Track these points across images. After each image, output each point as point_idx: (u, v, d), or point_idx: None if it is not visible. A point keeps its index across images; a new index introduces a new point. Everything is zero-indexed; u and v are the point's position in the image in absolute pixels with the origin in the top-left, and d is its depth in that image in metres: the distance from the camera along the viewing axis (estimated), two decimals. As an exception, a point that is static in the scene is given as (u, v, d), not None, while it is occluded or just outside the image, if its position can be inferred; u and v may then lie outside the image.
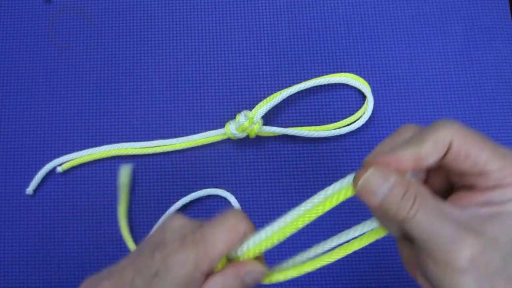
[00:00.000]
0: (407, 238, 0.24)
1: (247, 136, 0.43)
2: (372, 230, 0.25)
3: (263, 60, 0.46)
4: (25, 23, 0.47)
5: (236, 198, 0.43)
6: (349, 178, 0.23)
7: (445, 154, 0.21)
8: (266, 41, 0.47)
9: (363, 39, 0.47)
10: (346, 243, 0.26)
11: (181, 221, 0.26)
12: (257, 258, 0.26)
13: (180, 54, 0.47)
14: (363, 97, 0.45)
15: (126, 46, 0.47)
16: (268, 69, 0.46)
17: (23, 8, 0.48)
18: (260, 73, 0.46)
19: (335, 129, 0.43)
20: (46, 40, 0.47)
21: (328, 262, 0.26)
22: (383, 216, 0.22)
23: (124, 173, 0.42)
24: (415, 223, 0.20)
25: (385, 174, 0.21)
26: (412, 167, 0.21)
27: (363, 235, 0.25)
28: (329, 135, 0.43)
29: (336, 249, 0.26)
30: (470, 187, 0.21)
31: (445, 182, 0.23)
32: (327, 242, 0.26)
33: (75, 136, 0.44)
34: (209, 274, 0.24)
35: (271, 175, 0.44)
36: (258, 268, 0.25)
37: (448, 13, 0.47)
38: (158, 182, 0.44)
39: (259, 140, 0.44)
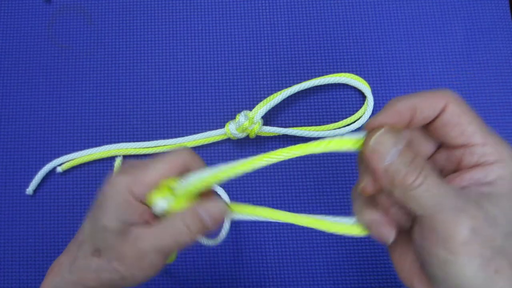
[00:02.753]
0: (400, 242, 0.23)
1: (247, 136, 0.43)
2: (349, 224, 0.24)
3: (263, 60, 0.46)
4: (25, 23, 0.47)
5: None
6: (349, 135, 0.22)
7: (438, 116, 0.21)
8: (266, 41, 0.47)
9: (363, 39, 0.47)
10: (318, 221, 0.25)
11: (127, 163, 0.27)
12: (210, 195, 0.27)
13: (180, 54, 0.46)
14: (363, 97, 0.45)
15: (126, 46, 0.47)
16: (268, 69, 0.46)
17: (23, 8, 0.48)
18: (260, 73, 0.46)
19: (335, 129, 0.43)
20: (46, 40, 0.47)
21: (293, 222, 0.26)
22: (388, 184, 0.21)
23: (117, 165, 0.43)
24: (420, 192, 0.19)
25: (397, 136, 0.21)
26: (409, 121, 0.21)
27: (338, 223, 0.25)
28: (329, 135, 0.43)
29: (306, 216, 0.26)
30: (457, 168, 0.21)
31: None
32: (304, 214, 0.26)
33: (75, 136, 0.44)
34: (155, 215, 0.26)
35: (271, 175, 0.44)
36: (215, 204, 0.25)
37: (448, 13, 0.47)
38: (158, 182, 0.44)
39: (259, 140, 0.44)
